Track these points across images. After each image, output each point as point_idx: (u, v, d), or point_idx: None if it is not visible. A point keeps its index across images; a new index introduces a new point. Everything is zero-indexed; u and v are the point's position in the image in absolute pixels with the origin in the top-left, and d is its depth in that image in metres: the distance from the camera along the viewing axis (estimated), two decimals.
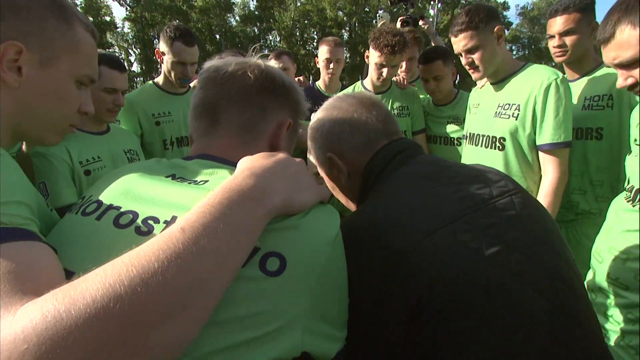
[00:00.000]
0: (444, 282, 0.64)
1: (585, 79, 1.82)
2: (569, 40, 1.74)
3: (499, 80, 1.84)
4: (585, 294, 0.75)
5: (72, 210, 0.63)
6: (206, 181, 0.62)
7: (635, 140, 1.29)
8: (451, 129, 2.41)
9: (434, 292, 0.63)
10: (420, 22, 3.26)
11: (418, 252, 0.65)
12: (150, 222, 0.54)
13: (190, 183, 0.62)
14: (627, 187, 1.23)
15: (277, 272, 0.51)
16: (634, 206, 1.15)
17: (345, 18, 36.30)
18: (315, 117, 0.98)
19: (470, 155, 1.98)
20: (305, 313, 0.53)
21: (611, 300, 1.18)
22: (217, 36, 34.62)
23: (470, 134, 2.00)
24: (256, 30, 37.50)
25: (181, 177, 0.64)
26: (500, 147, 1.80)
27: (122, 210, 0.57)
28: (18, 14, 0.63)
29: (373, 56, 2.25)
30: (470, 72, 1.83)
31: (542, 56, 39.09)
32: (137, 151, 1.93)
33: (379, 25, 3.02)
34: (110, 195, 0.61)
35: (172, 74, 2.14)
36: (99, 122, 1.74)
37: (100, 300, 0.36)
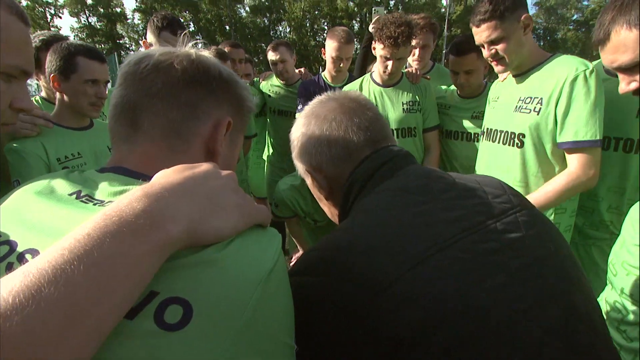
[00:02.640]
0: (433, 322, 0.51)
1: None
2: None
3: (523, 73, 1.66)
4: (607, 331, 0.63)
5: None
6: (112, 202, 0.48)
7: None
8: (474, 124, 2.22)
9: (419, 336, 0.51)
10: None
11: (403, 284, 0.54)
12: (28, 256, 0.42)
13: (95, 204, 0.49)
14: None
15: (179, 325, 0.37)
16: None
17: (356, 9, 35.82)
18: (295, 124, 0.88)
19: (487, 152, 1.82)
20: None
21: (624, 315, 1.06)
22: (227, 27, 34.48)
23: (487, 129, 1.83)
24: (266, 21, 37.26)
25: (87, 196, 0.51)
26: (519, 144, 1.62)
27: (1, 239, 0.45)
28: None
29: (377, 48, 2.11)
30: (493, 64, 1.65)
31: (558, 47, 38.16)
32: None
33: (372, 21, 2.84)
34: None
35: None
36: (81, 116, 1.62)
37: None
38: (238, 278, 0.43)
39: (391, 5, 37.39)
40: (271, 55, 2.83)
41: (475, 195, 0.68)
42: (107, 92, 1.61)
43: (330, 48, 2.48)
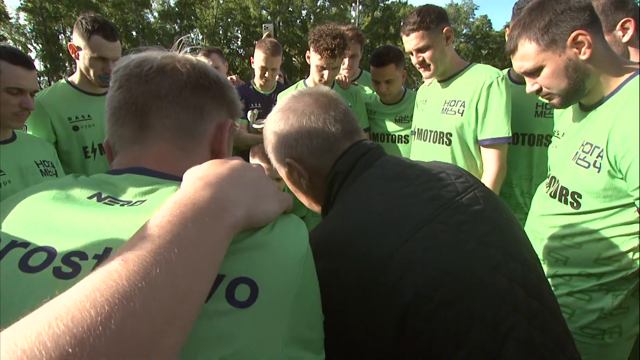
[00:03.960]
0: (431, 283, 0.62)
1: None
2: None
3: (446, 78, 1.89)
4: (545, 276, 0.79)
5: None
6: (143, 201, 0.50)
7: (555, 132, 1.44)
8: (397, 127, 2.43)
9: (422, 296, 0.62)
10: None
11: (399, 258, 0.63)
12: (75, 259, 0.42)
13: (123, 204, 0.50)
14: (548, 174, 1.38)
15: (249, 302, 0.42)
16: (546, 192, 1.29)
17: (269, 17, 35.99)
18: (270, 118, 0.92)
19: (419, 150, 2.03)
20: (285, 343, 0.45)
21: None
22: (134, 33, 32.24)
23: (418, 129, 2.04)
24: (177, 27, 35.62)
25: (110, 197, 0.51)
26: (447, 142, 1.84)
27: (31, 247, 0.43)
28: None
29: (314, 58, 2.21)
30: (420, 70, 1.86)
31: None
32: (53, 162, 1.65)
33: (264, 36, 2.97)
34: (13, 227, 0.46)
35: (91, 72, 1.86)
36: (2, 128, 1.45)
37: None
38: (287, 257, 0.48)
39: (303, 15, 38.32)
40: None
41: (442, 178, 0.80)
42: (33, 102, 1.46)
43: (257, 58, 2.55)
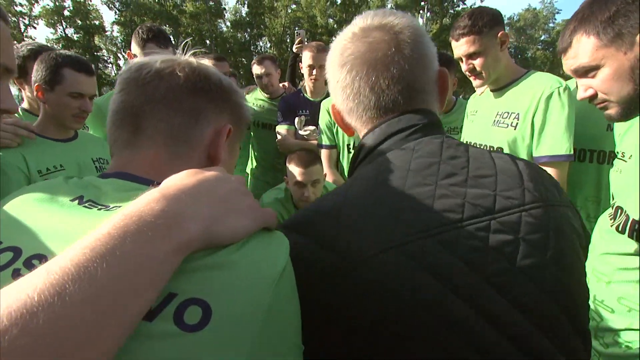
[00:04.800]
0: (392, 310, 0.51)
1: None
2: None
3: (500, 88, 1.74)
4: (581, 344, 0.59)
5: None
6: (119, 206, 0.49)
7: (617, 152, 1.22)
8: None
9: (378, 320, 0.52)
10: None
11: (369, 267, 0.52)
12: (35, 261, 0.42)
13: (100, 209, 0.49)
14: (612, 203, 1.16)
15: (198, 326, 0.38)
16: (612, 226, 1.08)
17: (335, 25, 36.47)
18: (335, 44, 0.76)
19: None
20: None
21: (598, 322, 1.10)
22: (208, 42, 34.46)
23: (466, 142, 1.89)
24: (247, 36, 37.46)
25: (90, 201, 0.51)
26: None
27: (2, 246, 0.44)
28: None
29: None
30: (471, 78, 1.73)
31: (528, 65, 39.85)
32: (109, 160, 1.78)
33: (296, 42, 2.97)
34: None
35: None
36: (64, 128, 1.59)
37: None
38: (254, 280, 0.43)
39: None
40: (256, 69, 2.87)
41: (482, 185, 0.60)
42: (92, 106, 1.59)
43: (305, 59, 2.59)
